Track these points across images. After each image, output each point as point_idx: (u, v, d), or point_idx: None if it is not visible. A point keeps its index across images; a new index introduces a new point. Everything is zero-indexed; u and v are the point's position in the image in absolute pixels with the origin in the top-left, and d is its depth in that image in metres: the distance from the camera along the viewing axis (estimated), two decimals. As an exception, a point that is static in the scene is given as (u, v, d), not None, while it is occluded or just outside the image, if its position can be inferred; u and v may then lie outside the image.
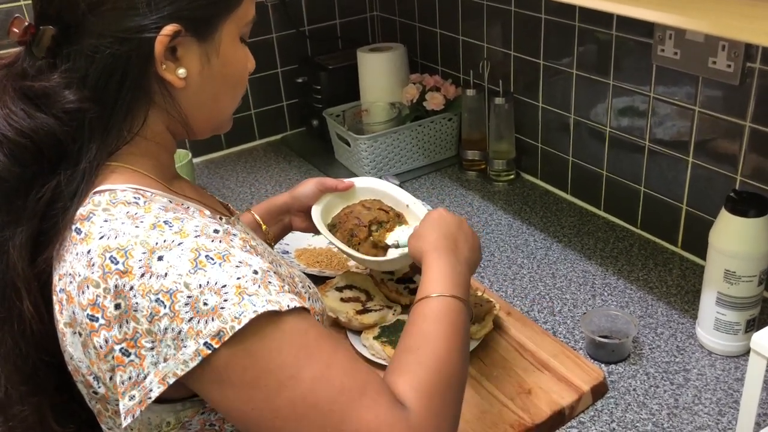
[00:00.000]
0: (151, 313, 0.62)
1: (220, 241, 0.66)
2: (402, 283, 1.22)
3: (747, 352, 1.04)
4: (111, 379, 0.65)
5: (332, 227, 1.16)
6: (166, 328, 0.62)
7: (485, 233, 1.45)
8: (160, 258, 0.63)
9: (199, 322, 0.62)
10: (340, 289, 1.17)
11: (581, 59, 1.41)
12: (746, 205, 0.99)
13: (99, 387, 0.69)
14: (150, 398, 0.63)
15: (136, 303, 0.62)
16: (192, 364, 0.62)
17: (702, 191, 1.26)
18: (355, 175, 1.65)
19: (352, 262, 1.35)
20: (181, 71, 0.72)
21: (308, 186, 1.18)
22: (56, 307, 0.69)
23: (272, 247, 1.18)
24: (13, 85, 0.70)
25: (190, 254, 0.64)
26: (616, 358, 1.08)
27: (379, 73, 1.79)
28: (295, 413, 0.63)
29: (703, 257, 1.08)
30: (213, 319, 0.62)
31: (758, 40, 0.68)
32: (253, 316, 0.62)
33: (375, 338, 1.07)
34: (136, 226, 0.65)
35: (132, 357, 0.63)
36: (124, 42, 0.69)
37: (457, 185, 1.65)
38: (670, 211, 1.32)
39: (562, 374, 1.02)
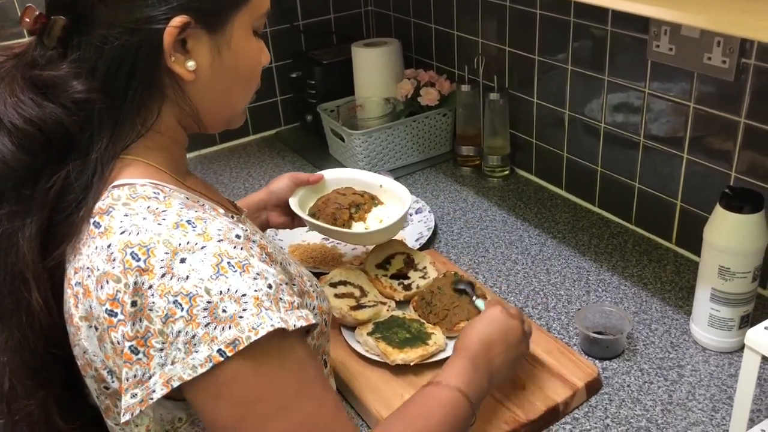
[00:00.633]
0: (166, 314, 0.62)
1: (242, 248, 0.66)
2: (396, 279, 1.21)
3: (741, 348, 1.04)
4: (121, 373, 0.65)
5: (312, 216, 1.19)
6: (179, 331, 0.62)
7: (479, 229, 1.44)
8: (182, 260, 0.63)
9: (215, 328, 0.62)
10: (334, 285, 1.17)
11: (576, 55, 1.40)
12: (741, 201, 0.99)
13: (113, 382, 0.69)
14: (152, 399, 0.63)
15: (153, 302, 0.62)
16: (201, 371, 0.62)
17: (697, 187, 1.26)
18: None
19: (346, 258, 1.35)
20: (191, 63, 0.71)
21: (282, 181, 1.20)
22: (71, 301, 0.68)
23: None
24: (23, 74, 0.70)
25: (213, 259, 0.64)
26: (610, 354, 1.08)
27: (374, 69, 1.78)
28: None
29: (698, 253, 1.08)
30: (230, 327, 0.62)
31: (754, 36, 0.68)
32: (270, 329, 0.62)
33: (369, 334, 1.07)
34: (159, 224, 0.65)
35: (140, 356, 0.63)
36: (134, 33, 0.68)
37: (451, 181, 1.65)
38: (665, 207, 1.32)
39: (556, 370, 1.02)
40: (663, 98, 1.26)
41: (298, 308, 0.67)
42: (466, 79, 1.64)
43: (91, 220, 0.68)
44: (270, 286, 0.65)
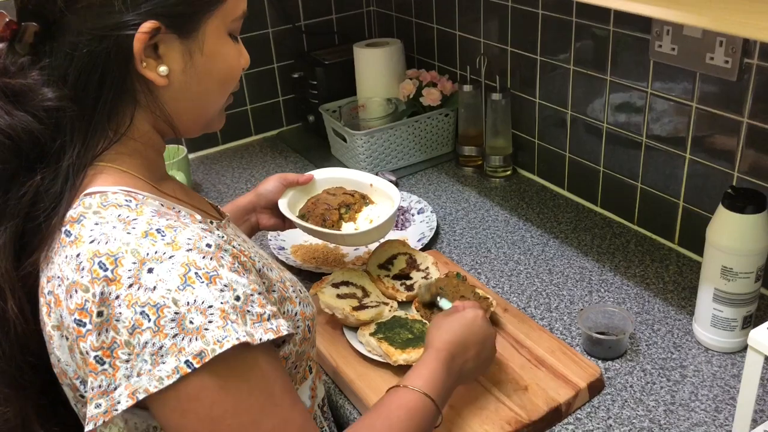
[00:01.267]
0: (133, 325, 0.61)
1: (211, 258, 0.65)
2: (399, 279, 1.21)
3: (744, 348, 1.03)
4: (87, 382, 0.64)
5: (302, 217, 1.18)
6: (146, 342, 0.61)
7: (482, 229, 1.44)
8: (150, 270, 0.62)
9: (183, 339, 0.61)
10: (336, 286, 1.17)
11: (578, 55, 1.40)
12: (744, 201, 0.99)
13: (86, 391, 0.68)
14: (116, 410, 0.62)
15: (120, 313, 0.62)
16: (167, 382, 0.61)
17: (699, 187, 1.25)
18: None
19: (348, 258, 1.35)
20: (163, 69, 0.70)
21: (271, 182, 1.18)
22: (44, 310, 0.68)
23: None
24: None
25: (181, 269, 0.63)
26: (612, 355, 1.08)
27: (376, 69, 1.78)
28: None
29: (700, 254, 1.08)
30: (197, 339, 0.61)
31: (757, 36, 0.68)
32: (236, 342, 0.62)
33: (371, 335, 1.07)
34: (128, 233, 0.64)
35: (106, 366, 0.62)
36: (102, 40, 0.68)
37: (453, 181, 1.65)
38: (668, 208, 1.32)
39: (558, 371, 1.02)
40: (665, 98, 1.26)
41: (268, 320, 0.66)
42: (468, 79, 1.64)
43: (63, 229, 0.67)
44: (238, 298, 0.64)
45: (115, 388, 0.62)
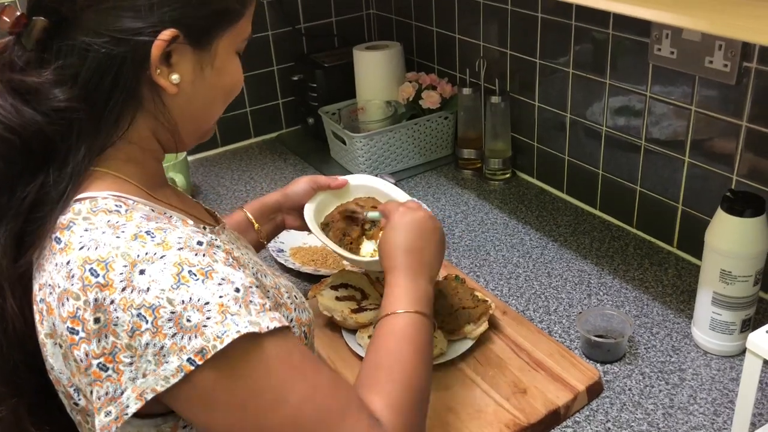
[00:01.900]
0: (132, 328, 0.61)
1: (204, 255, 0.65)
2: (397, 281, 1.21)
3: (742, 352, 1.03)
4: (92, 392, 0.64)
5: (325, 226, 1.15)
6: (147, 344, 0.61)
7: (481, 232, 1.44)
8: (141, 272, 0.62)
9: (183, 337, 0.61)
10: (335, 288, 1.17)
11: (577, 58, 1.40)
12: (742, 204, 0.99)
13: (79, 399, 0.68)
14: (127, 414, 0.62)
15: (117, 317, 0.61)
16: (173, 381, 0.61)
17: (698, 191, 1.26)
18: (351, 174, 1.65)
19: (347, 261, 1.35)
20: (175, 77, 0.71)
21: (300, 184, 1.17)
22: (36, 317, 0.68)
23: (266, 245, 1.18)
24: (1, 77, 0.69)
25: (173, 268, 0.62)
26: (611, 358, 1.08)
27: (375, 71, 1.78)
28: None
29: (699, 257, 1.08)
30: (196, 336, 0.61)
31: (756, 39, 0.68)
32: (236, 336, 0.61)
33: (370, 337, 1.07)
34: (117, 237, 0.64)
35: (110, 372, 0.62)
36: (121, 42, 0.67)
37: (452, 184, 1.65)
38: (666, 211, 1.32)
39: (557, 374, 1.02)
40: (664, 102, 1.26)
41: (270, 311, 0.66)
42: (468, 82, 1.64)
43: (53, 236, 0.67)
44: (237, 290, 0.64)
45: (122, 393, 0.62)
